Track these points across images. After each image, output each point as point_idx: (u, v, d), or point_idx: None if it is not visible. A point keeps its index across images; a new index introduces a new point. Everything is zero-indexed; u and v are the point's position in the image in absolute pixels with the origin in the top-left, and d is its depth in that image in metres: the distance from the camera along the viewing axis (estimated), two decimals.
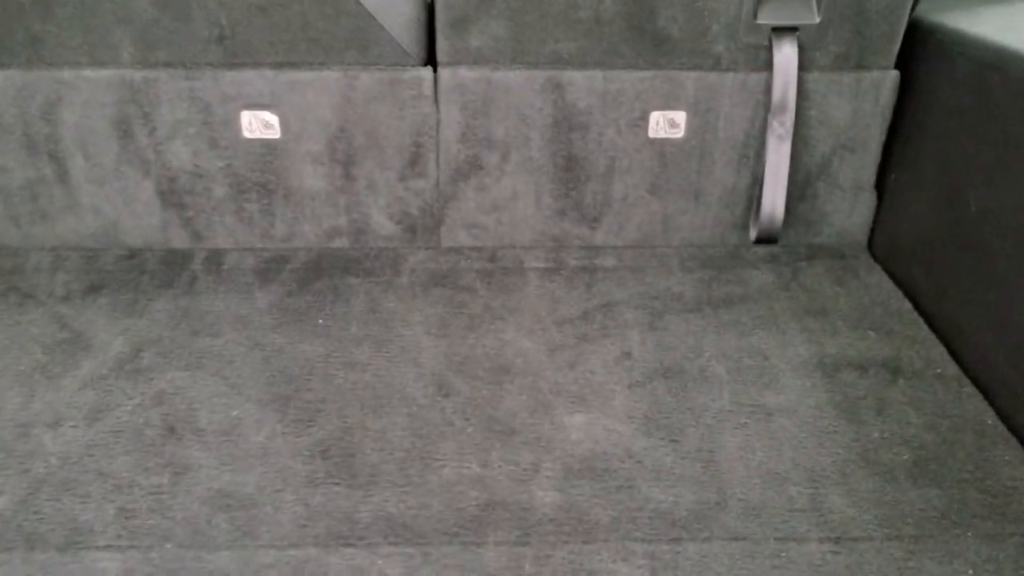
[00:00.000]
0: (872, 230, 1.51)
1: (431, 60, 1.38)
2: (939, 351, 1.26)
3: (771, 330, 1.30)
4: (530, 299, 1.37)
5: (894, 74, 1.40)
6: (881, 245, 1.50)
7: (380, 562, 0.93)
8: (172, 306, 1.33)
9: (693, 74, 1.38)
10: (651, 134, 1.42)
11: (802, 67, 1.38)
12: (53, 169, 1.40)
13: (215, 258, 1.45)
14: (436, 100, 1.38)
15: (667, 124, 1.41)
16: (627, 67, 1.37)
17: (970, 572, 0.92)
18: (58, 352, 1.23)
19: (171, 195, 1.43)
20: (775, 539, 0.96)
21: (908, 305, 1.36)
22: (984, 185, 1.22)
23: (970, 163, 1.26)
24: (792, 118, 1.39)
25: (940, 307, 1.32)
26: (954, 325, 1.28)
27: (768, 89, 1.39)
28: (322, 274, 1.41)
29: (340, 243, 1.49)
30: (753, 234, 1.48)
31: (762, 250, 1.49)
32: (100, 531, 0.96)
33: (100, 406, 1.13)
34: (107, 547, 0.94)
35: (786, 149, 1.40)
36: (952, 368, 1.22)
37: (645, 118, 1.40)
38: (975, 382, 1.20)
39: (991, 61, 1.21)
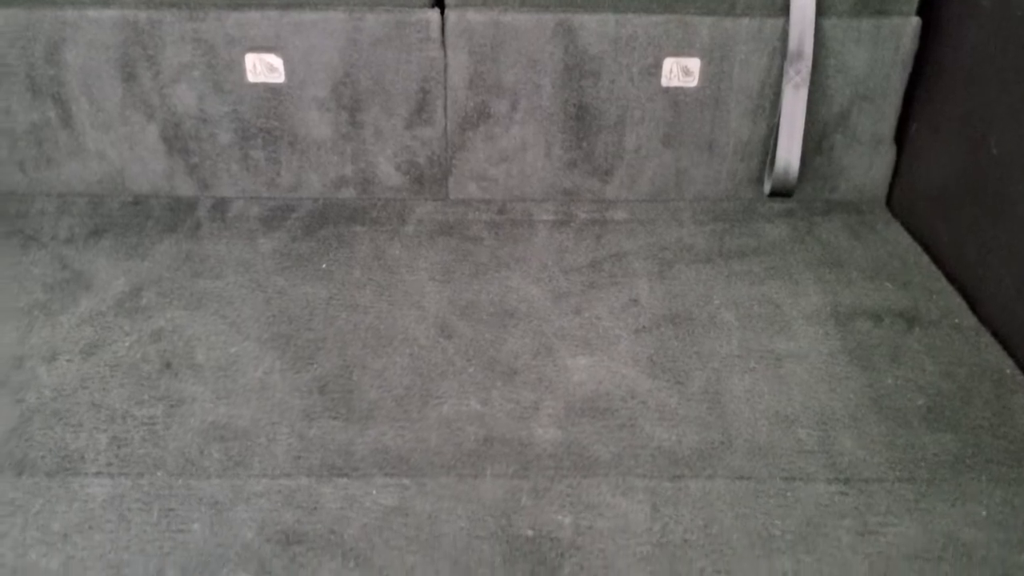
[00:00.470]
0: (891, 184, 1.47)
1: (438, 1, 1.36)
2: (957, 302, 1.22)
3: (784, 280, 1.26)
4: (537, 249, 1.34)
5: (915, 20, 1.36)
6: (900, 200, 1.46)
7: (374, 492, 0.91)
8: (175, 249, 1.31)
9: (708, 19, 1.34)
10: (664, 83, 1.38)
11: (820, 12, 1.34)
12: (58, 113, 1.39)
13: (220, 206, 1.43)
14: (443, 44, 1.35)
15: (681, 72, 1.37)
16: (640, 11, 1.34)
17: (984, 513, 0.89)
18: (58, 291, 1.21)
19: (176, 141, 1.41)
20: (781, 479, 0.93)
21: (926, 258, 1.32)
22: (1007, 126, 1.18)
23: (993, 106, 1.21)
24: (809, 66, 1.35)
25: (959, 260, 1.28)
26: (973, 277, 1.24)
27: (785, 35, 1.35)
28: (327, 222, 1.39)
29: (347, 193, 1.47)
30: (767, 187, 1.44)
31: (777, 205, 1.46)
32: (91, 458, 0.94)
33: (97, 341, 1.12)
34: (97, 474, 0.93)
35: (803, 98, 1.36)
36: (970, 319, 1.19)
37: (658, 65, 1.37)
38: (994, 333, 1.16)
39: None
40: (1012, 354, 1.12)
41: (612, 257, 1.32)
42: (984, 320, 1.18)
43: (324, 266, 1.28)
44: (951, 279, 1.27)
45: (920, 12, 1.36)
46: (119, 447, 0.96)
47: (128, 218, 1.39)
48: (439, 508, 0.89)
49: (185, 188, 1.45)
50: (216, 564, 0.84)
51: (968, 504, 0.90)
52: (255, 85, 1.38)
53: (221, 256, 1.30)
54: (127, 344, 1.11)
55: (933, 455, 0.96)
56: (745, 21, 1.35)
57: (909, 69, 1.39)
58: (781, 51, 1.36)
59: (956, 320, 1.18)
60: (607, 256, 1.32)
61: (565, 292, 1.23)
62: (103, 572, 0.83)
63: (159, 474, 0.93)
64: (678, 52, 1.36)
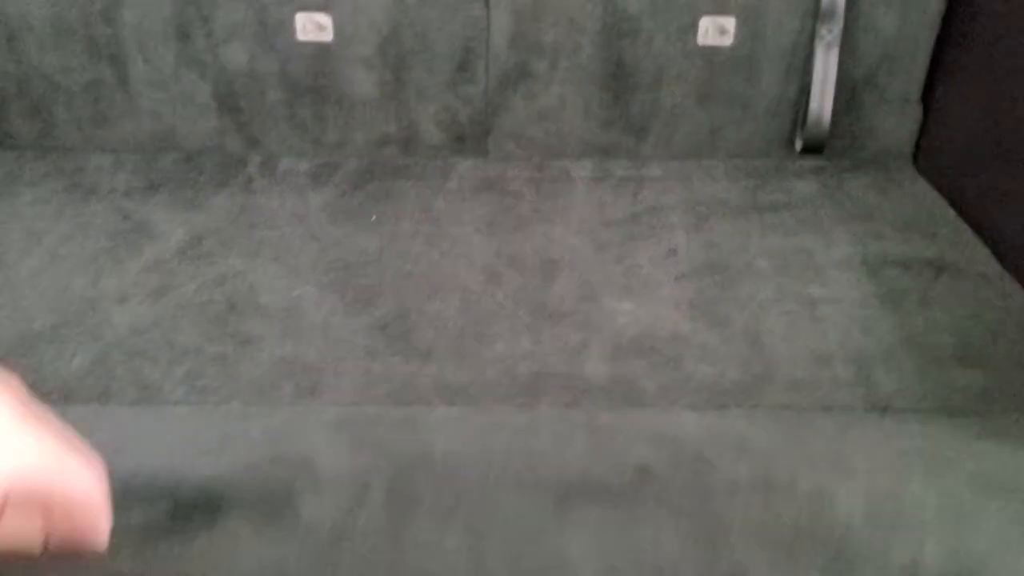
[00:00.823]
0: (917, 143, 1.52)
1: None
2: (983, 252, 1.27)
3: (816, 232, 1.31)
4: (577, 203, 1.39)
5: None
6: (926, 157, 1.50)
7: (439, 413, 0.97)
8: (230, 203, 1.37)
9: None
10: (700, 42, 1.43)
11: None
12: (113, 72, 1.44)
13: (269, 162, 1.48)
14: (487, 3, 1.40)
15: (716, 31, 1.42)
16: None
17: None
18: (122, 239, 1.27)
19: (227, 99, 1.47)
20: (820, 408, 0.99)
21: (952, 212, 1.37)
22: None
23: (1018, 69, 1.26)
24: (840, 25, 1.39)
25: (984, 215, 1.32)
26: (998, 231, 1.29)
27: None
28: (373, 178, 1.45)
29: (391, 151, 1.52)
30: (799, 144, 1.49)
31: (808, 162, 1.51)
32: (169, 390, 1.00)
33: (164, 286, 1.18)
34: (177, 403, 0.99)
35: (834, 57, 1.41)
36: (996, 267, 1.24)
37: (695, 24, 1.41)
38: (1018, 280, 1.21)
39: None
40: None
41: (650, 211, 1.37)
42: (1008, 268, 1.23)
43: (374, 218, 1.34)
44: (976, 231, 1.32)
45: None
46: (194, 380, 1.02)
47: (182, 173, 1.45)
48: (498, 420, 0.96)
49: (235, 145, 1.51)
50: (299, 429, 0.91)
51: (998, 421, 0.96)
52: (304, 44, 1.43)
53: (274, 208, 1.35)
54: (193, 288, 1.17)
55: (963, 388, 1.02)
56: None
57: (936, 30, 1.43)
58: (813, 11, 1.41)
59: (982, 269, 1.23)
60: (645, 210, 1.37)
61: (606, 243, 1.29)
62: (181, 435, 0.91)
63: (234, 403, 0.99)
64: (714, 11, 1.41)
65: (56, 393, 1.00)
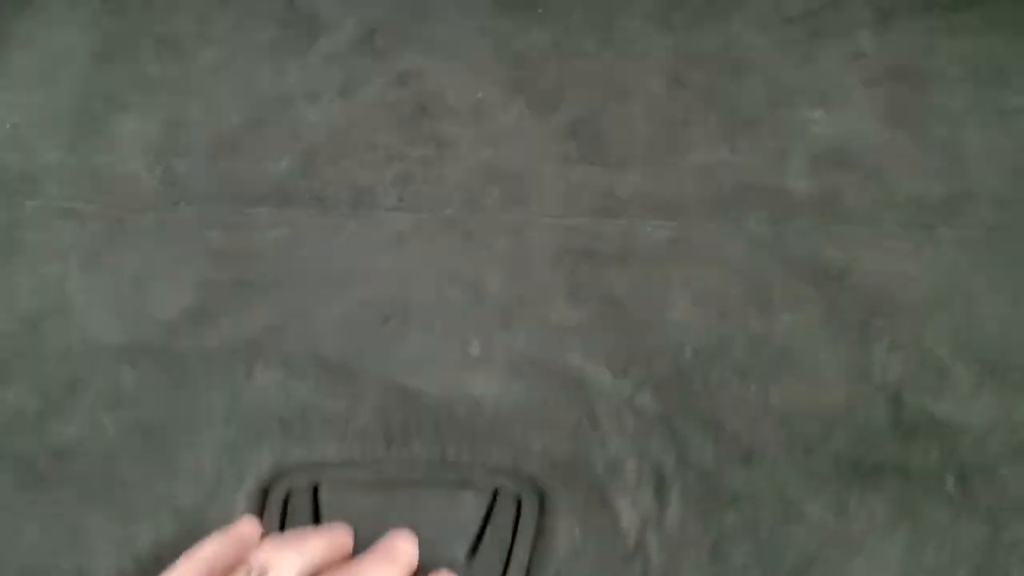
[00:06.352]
0: None
1: None
2: None
3: (1006, 34, 1.25)
4: None
5: None
6: None
7: (649, 229, 0.99)
8: None
9: None
10: None
11: None
12: None
13: None
14: None
15: None
16: None
17: None
18: (292, 28, 1.25)
19: None
20: None
21: None
22: None
23: None
24: None
25: None
26: None
27: None
28: None
29: None
30: None
31: None
32: (383, 194, 1.03)
33: (350, 81, 1.17)
34: (392, 208, 1.02)
35: None
36: None
37: None
38: None
39: None
40: None
41: (831, 6, 1.30)
42: None
43: (540, 11, 1.30)
44: None
45: None
46: (405, 184, 1.04)
47: None
48: (713, 240, 0.98)
49: None
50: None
51: None
52: None
53: (442, 1, 1.31)
54: (379, 86, 1.17)
55: None
56: None
57: None
58: None
59: None
60: (825, 5, 1.31)
61: (788, 41, 1.24)
62: (432, 273, 0.96)
63: (447, 211, 1.02)
64: None
65: (273, 197, 1.04)
